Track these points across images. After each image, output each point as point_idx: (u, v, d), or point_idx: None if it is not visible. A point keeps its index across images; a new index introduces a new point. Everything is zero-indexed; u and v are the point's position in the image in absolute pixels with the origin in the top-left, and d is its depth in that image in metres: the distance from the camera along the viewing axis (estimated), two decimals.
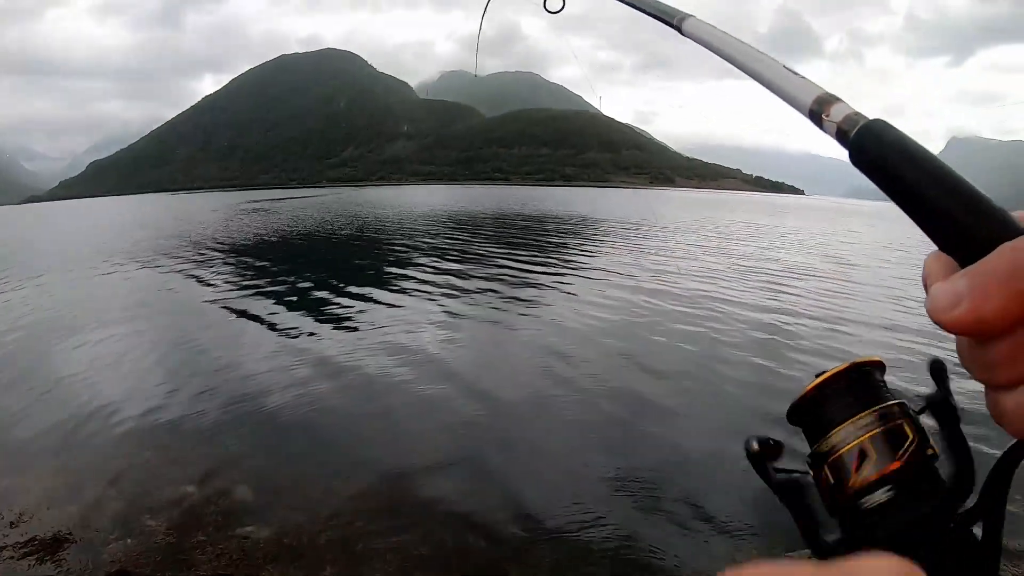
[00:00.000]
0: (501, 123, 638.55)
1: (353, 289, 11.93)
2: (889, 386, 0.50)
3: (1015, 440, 0.39)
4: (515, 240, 21.48)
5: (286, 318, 9.58)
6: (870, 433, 0.47)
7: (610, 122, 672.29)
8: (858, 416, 0.48)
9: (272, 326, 9.06)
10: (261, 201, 67.16)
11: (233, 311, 10.34)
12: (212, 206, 60.53)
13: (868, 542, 0.45)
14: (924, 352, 7.74)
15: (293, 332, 8.58)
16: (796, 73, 0.52)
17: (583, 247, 19.64)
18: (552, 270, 14.16)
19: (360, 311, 9.89)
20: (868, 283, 13.26)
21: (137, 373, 7.03)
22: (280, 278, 13.56)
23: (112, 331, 9.03)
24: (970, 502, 0.44)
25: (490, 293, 11.23)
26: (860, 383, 0.50)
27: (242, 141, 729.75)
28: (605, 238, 22.92)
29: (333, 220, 32.57)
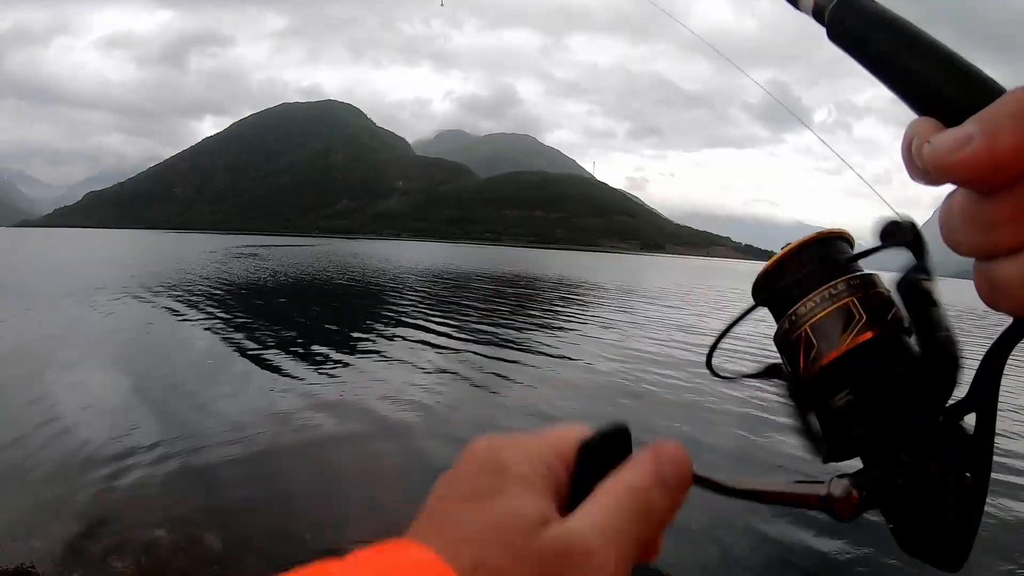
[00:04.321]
0: (495, 184, 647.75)
1: (340, 340, 11.44)
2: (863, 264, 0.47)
3: (1011, 320, 0.36)
4: (505, 301, 20.54)
5: (272, 364, 9.19)
6: (820, 314, 0.44)
7: (603, 187, 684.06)
8: (812, 293, 0.45)
9: (257, 372, 8.87)
10: (255, 246, 65.92)
11: (221, 354, 9.78)
12: (207, 247, 59.28)
13: (848, 447, 0.44)
14: None
15: (276, 380, 8.43)
16: None
17: (573, 311, 18.48)
18: (541, 332, 13.56)
19: (347, 363, 9.39)
20: None
21: (112, 410, 6.78)
22: (268, 324, 13.02)
23: (93, 366, 8.83)
24: (961, 393, 0.41)
25: (476, 353, 10.64)
26: (822, 256, 0.47)
27: (237, 185, 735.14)
28: (595, 303, 22.00)
29: (325, 269, 31.72)
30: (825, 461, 0.45)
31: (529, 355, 10.65)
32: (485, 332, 12.88)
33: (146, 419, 6.53)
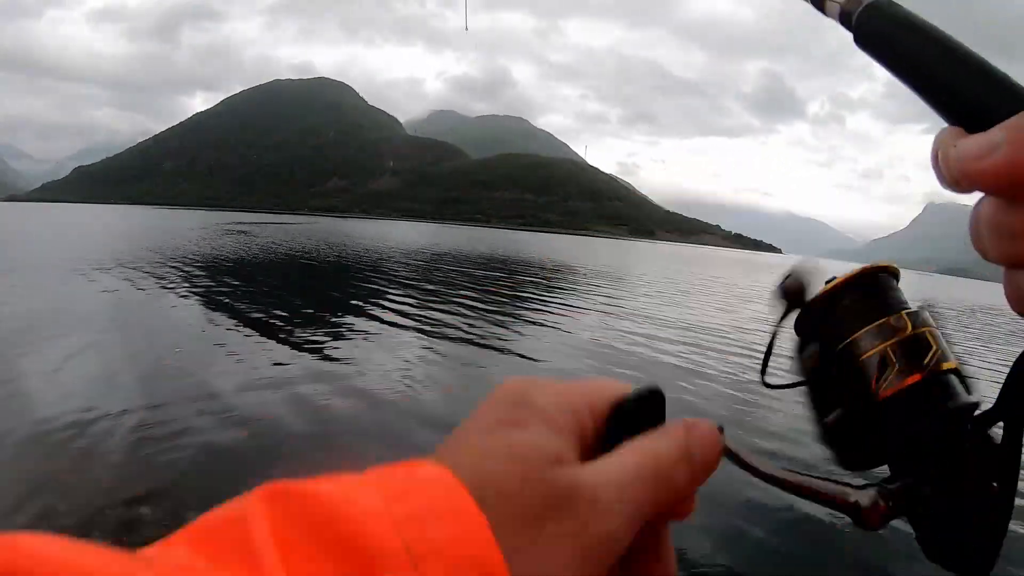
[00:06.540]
0: (486, 166, 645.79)
1: (325, 319, 11.89)
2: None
3: None
4: (494, 283, 21.48)
5: (253, 342, 9.40)
6: (894, 339, 0.44)
7: (594, 172, 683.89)
8: (881, 321, 0.45)
9: (242, 347, 8.85)
10: (245, 224, 66.53)
11: (206, 329, 10.18)
12: (197, 224, 59.82)
13: (875, 458, 0.45)
14: None
15: (262, 355, 8.41)
16: None
17: (560, 293, 19.70)
18: (528, 315, 14.15)
19: (328, 342, 9.74)
20: None
21: (93, 384, 6.76)
22: (255, 300, 13.52)
23: (70, 338, 8.71)
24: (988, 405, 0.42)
25: (463, 333, 11.14)
26: (880, 287, 0.48)
27: (227, 162, 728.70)
28: (584, 287, 23.08)
29: (315, 248, 32.70)
30: (849, 469, 0.47)
31: (507, 334, 11.21)
32: (469, 313, 13.41)
33: (127, 393, 6.43)
